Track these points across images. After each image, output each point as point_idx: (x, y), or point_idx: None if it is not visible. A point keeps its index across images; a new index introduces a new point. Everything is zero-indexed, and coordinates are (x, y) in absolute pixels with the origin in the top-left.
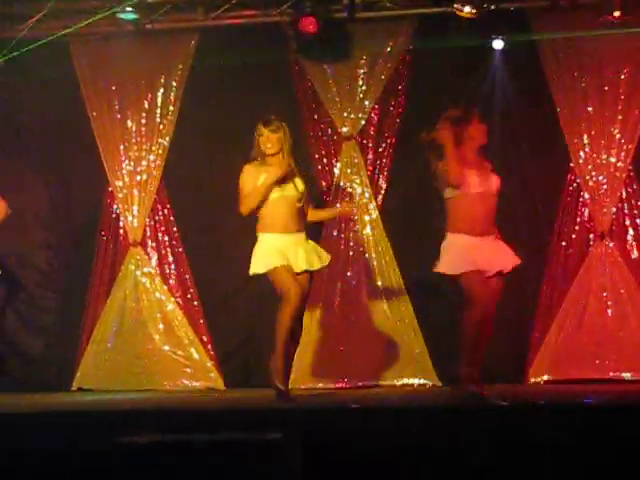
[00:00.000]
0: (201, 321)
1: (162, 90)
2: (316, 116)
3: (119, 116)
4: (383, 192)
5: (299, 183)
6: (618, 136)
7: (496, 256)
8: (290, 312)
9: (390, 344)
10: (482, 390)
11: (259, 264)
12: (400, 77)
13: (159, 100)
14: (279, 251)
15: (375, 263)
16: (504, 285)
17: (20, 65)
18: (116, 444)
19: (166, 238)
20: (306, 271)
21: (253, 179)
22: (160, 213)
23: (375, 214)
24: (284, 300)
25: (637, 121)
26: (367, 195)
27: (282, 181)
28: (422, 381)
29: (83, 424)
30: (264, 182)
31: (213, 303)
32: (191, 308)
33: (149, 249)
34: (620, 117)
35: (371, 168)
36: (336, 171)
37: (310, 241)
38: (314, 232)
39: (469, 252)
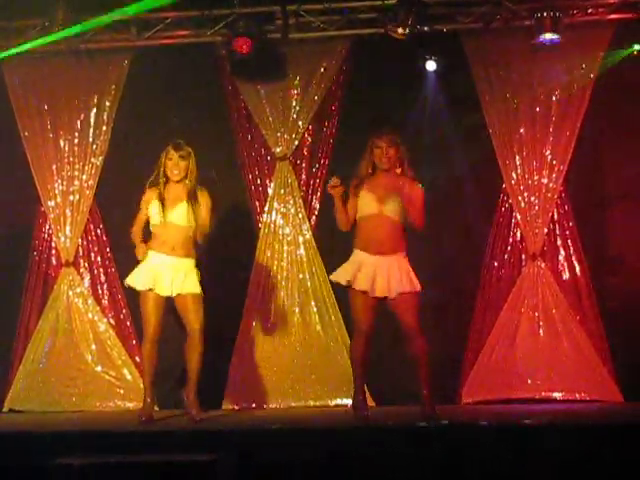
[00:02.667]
0: (134, 342)
1: (95, 110)
2: (250, 136)
3: (52, 136)
4: (317, 213)
5: (196, 214)
6: (550, 157)
7: (385, 278)
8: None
9: (323, 364)
10: (432, 410)
11: (133, 278)
12: (334, 98)
13: (92, 120)
14: (153, 272)
15: (309, 284)
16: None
17: None
18: (48, 466)
19: (99, 258)
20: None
21: (145, 207)
22: (93, 233)
23: (309, 234)
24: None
25: (568, 143)
26: (300, 216)
27: (172, 206)
28: None
29: (14, 447)
30: (134, 239)
31: None
32: (124, 329)
33: (82, 269)
34: (552, 139)
35: (305, 188)
36: (270, 191)
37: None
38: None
39: (356, 267)
